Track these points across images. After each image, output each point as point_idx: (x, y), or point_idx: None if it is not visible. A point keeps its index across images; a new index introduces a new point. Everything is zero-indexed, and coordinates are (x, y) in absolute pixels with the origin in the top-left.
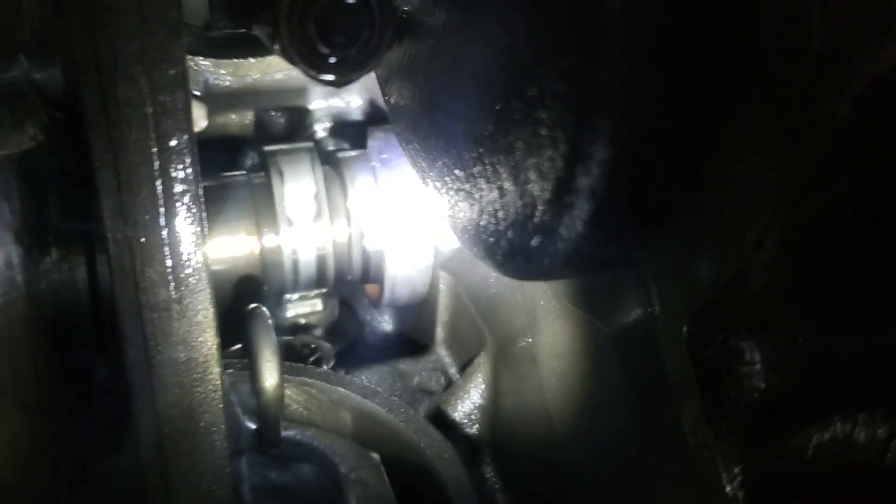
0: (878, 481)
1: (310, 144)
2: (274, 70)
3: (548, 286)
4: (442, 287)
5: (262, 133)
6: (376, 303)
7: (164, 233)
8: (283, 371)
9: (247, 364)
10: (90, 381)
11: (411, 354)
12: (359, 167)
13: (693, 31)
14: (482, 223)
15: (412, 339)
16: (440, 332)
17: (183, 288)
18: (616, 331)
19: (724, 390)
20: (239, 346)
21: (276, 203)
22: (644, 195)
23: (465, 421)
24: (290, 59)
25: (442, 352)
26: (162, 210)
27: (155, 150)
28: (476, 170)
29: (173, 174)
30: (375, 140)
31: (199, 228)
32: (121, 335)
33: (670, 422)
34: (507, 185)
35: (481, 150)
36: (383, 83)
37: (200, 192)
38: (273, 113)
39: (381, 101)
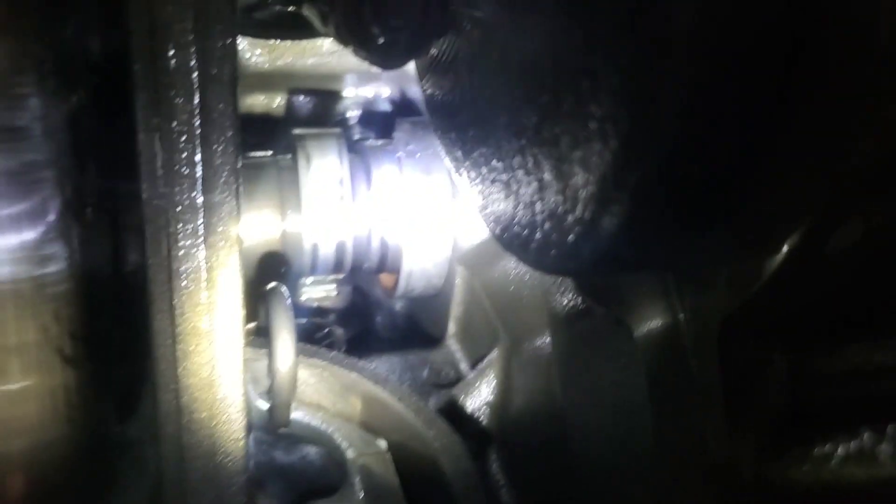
0: None
1: (338, 130)
2: (308, 55)
3: (572, 285)
4: (458, 281)
5: (291, 117)
6: (390, 293)
7: (200, 201)
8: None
9: (259, 341)
10: (109, 347)
11: (422, 346)
12: (384, 156)
13: (762, 36)
14: (517, 214)
15: (424, 330)
16: (452, 326)
17: (214, 258)
18: (642, 333)
19: (750, 398)
20: (252, 324)
21: (301, 185)
22: (694, 199)
23: (475, 416)
24: (342, 38)
25: (453, 346)
26: (200, 178)
27: (198, 119)
28: (516, 160)
29: (214, 145)
30: (402, 131)
31: (235, 201)
32: (149, 300)
33: (692, 428)
34: (548, 177)
35: (523, 141)
36: (423, 71)
37: (239, 164)
38: (303, 97)
39: (410, 92)
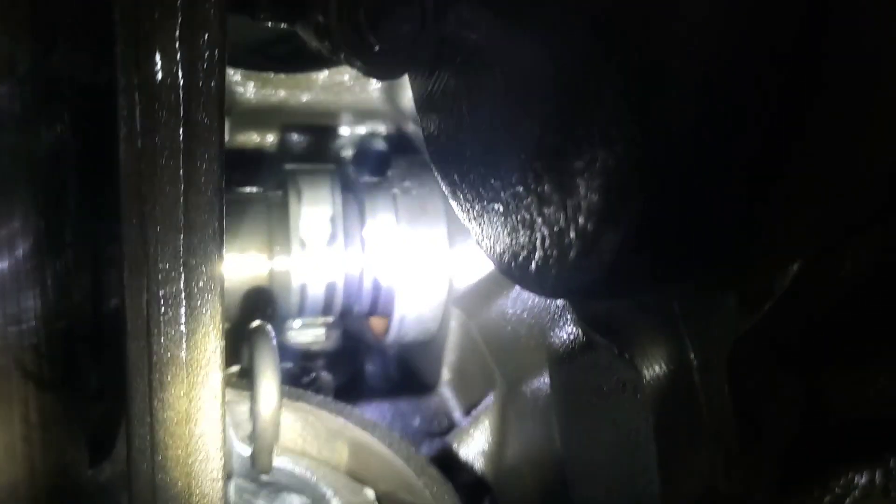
0: None
1: (331, 167)
2: (303, 90)
3: (572, 318)
4: (453, 324)
5: (284, 154)
6: (381, 338)
7: (182, 219)
8: (282, 395)
9: (242, 383)
10: (86, 386)
11: (414, 393)
12: (379, 194)
13: (770, 72)
14: (516, 235)
15: (416, 377)
16: (446, 373)
17: (193, 284)
18: (646, 364)
19: (762, 427)
20: (236, 366)
21: (291, 223)
22: (700, 220)
23: (469, 464)
24: (337, 48)
25: (446, 393)
26: (181, 201)
27: (182, 133)
28: (515, 177)
29: (198, 161)
30: (398, 168)
31: (217, 221)
32: (124, 327)
33: (701, 462)
34: (550, 198)
35: (523, 156)
36: (420, 94)
37: (223, 186)
38: (296, 134)
39: (406, 130)
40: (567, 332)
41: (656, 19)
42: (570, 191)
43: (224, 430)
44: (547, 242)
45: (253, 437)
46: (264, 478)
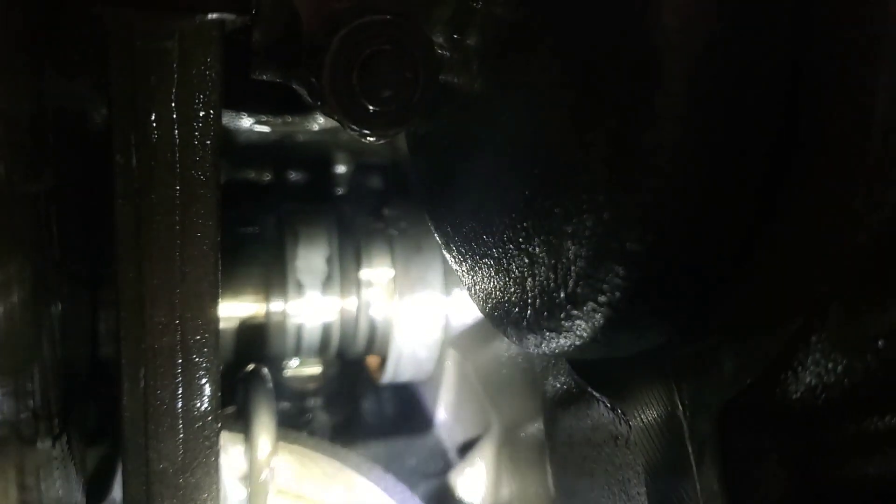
0: None
1: (328, 207)
2: (300, 130)
3: (566, 368)
4: (448, 364)
5: (280, 193)
6: (377, 378)
7: (178, 277)
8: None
9: (237, 425)
10: (83, 428)
11: (410, 433)
12: (375, 234)
13: (754, 135)
14: (508, 292)
15: (412, 417)
16: (442, 412)
17: (189, 336)
18: (638, 419)
19: (754, 487)
20: (230, 408)
21: (288, 264)
22: (691, 280)
23: None
24: (330, 109)
25: (442, 433)
26: (178, 255)
27: (178, 188)
28: (507, 234)
29: (194, 217)
30: (394, 208)
31: (213, 275)
32: (120, 378)
33: None
34: (540, 254)
35: (514, 214)
36: (413, 146)
37: (218, 239)
38: (293, 173)
39: (402, 170)
40: (560, 381)
41: (640, 90)
42: (559, 253)
43: (218, 480)
44: (538, 302)
45: (247, 481)
46: None
